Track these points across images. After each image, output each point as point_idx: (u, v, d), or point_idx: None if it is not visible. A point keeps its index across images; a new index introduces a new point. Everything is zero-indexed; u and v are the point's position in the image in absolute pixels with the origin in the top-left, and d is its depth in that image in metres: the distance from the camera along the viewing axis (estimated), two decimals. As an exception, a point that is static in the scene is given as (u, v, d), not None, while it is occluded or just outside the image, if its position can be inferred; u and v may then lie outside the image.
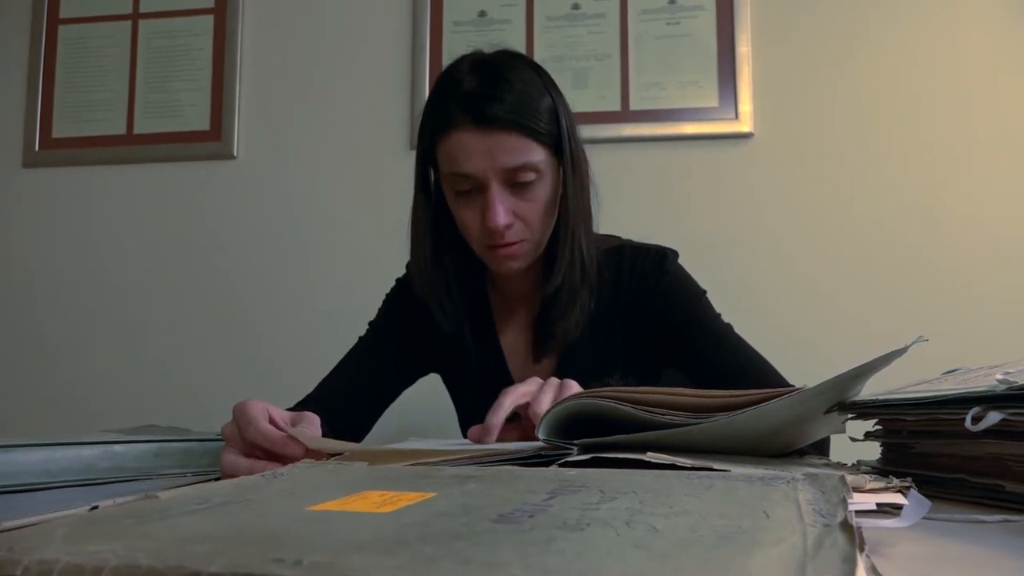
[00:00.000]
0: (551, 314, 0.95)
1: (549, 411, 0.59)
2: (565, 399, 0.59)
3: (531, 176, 0.88)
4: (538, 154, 0.88)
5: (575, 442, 0.58)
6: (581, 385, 0.75)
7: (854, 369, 0.52)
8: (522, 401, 0.72)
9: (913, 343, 0.52)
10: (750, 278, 1.63)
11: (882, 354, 0.52)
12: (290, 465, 0.45)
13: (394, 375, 1.07)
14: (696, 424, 0.53)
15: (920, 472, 0.49)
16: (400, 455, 0.55)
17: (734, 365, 0.93)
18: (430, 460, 0.53)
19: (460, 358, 1.04)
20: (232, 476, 0.61)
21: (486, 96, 0.86)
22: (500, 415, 0.70)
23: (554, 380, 0.74)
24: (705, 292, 1.01)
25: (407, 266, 1.05)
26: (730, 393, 0.56)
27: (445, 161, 0.90)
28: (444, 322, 0.99)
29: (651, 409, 0.55)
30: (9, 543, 0.22)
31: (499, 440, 0.71)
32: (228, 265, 1.80)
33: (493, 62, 0.91)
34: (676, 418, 0.54)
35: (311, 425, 0.67)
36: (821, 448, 0.81)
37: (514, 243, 0.90)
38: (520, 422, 0.76)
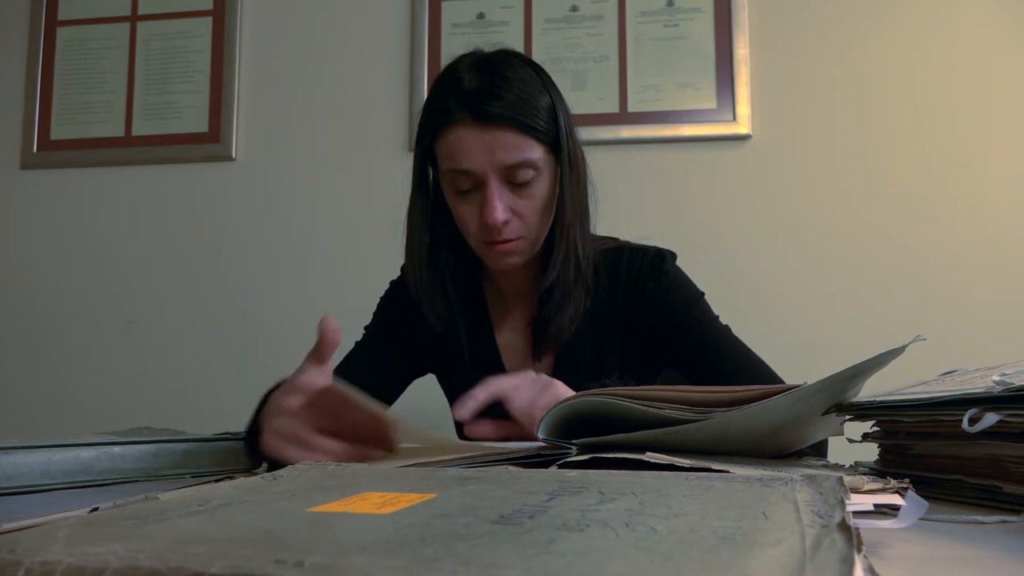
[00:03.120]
0: (545, 312, 0.95)
1: (549, 411, 0.59)
2: (562, 402, 0.59)
3: (529, 173, 0.89)
4: (536, 151, 0.89)
5: (574, 442, 0.58)
6: (579, 384, 0.76)
7: (852, 367, 0.52)
8: (501, 394, 0.74)
9: (911, 342, 0.52)
10: (749, 279, 1.63)
11: (880, 353, 0.52)
12: (289, 467, 0.45)
13: (392, 378, 1.07)
14: (695, 420, 0.53)
15: (918, 473, 0.49)
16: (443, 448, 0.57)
17: (732, 367, 0.93)
18: (429, 461, 0.53)
19: (456, 357, 1.04)
20: (320, 458, 0.59)
21: (485, 94, 0.86)
22: (471, 405, 0.73)
23: (540, 377, 0.74)
24: (703, 293, 1.01)
25: (402, 268, 1.05)
26: (729, 389, 0.56)
27: (444, 158, 0.90)
28: (436, 323, 0.99)
29: (650, 404, 0.55)
30: (10, 545, 0.22)
31: (474, 435, 0.73)
32: (226, 267, 1.80)
33: (492, 60, 0.91)
34: (674, 412, 0.54)
35: None
36: (819, 450, 0.81)
37: (512, 240, 0.91)
38: (498, 419, 0.77)
